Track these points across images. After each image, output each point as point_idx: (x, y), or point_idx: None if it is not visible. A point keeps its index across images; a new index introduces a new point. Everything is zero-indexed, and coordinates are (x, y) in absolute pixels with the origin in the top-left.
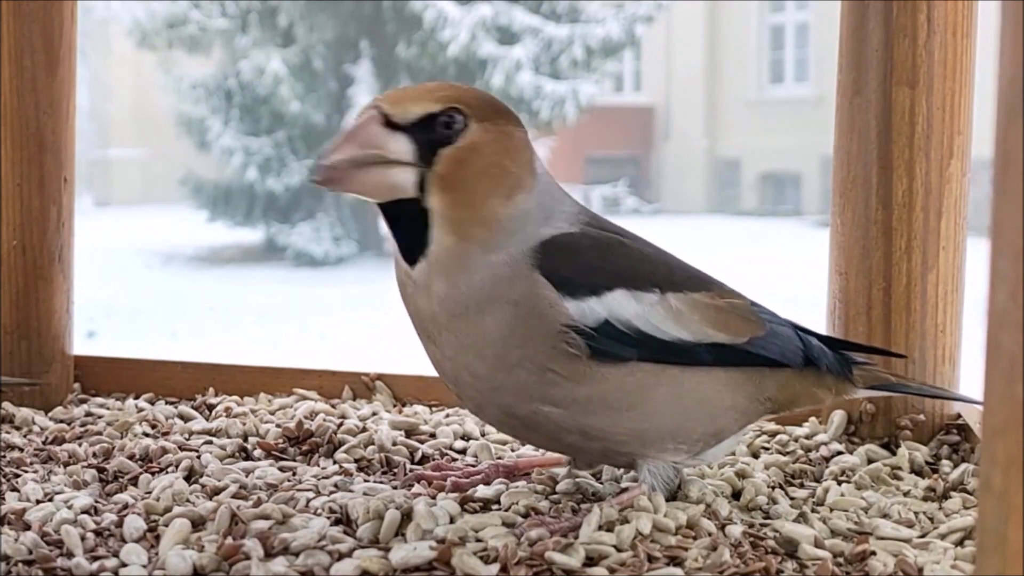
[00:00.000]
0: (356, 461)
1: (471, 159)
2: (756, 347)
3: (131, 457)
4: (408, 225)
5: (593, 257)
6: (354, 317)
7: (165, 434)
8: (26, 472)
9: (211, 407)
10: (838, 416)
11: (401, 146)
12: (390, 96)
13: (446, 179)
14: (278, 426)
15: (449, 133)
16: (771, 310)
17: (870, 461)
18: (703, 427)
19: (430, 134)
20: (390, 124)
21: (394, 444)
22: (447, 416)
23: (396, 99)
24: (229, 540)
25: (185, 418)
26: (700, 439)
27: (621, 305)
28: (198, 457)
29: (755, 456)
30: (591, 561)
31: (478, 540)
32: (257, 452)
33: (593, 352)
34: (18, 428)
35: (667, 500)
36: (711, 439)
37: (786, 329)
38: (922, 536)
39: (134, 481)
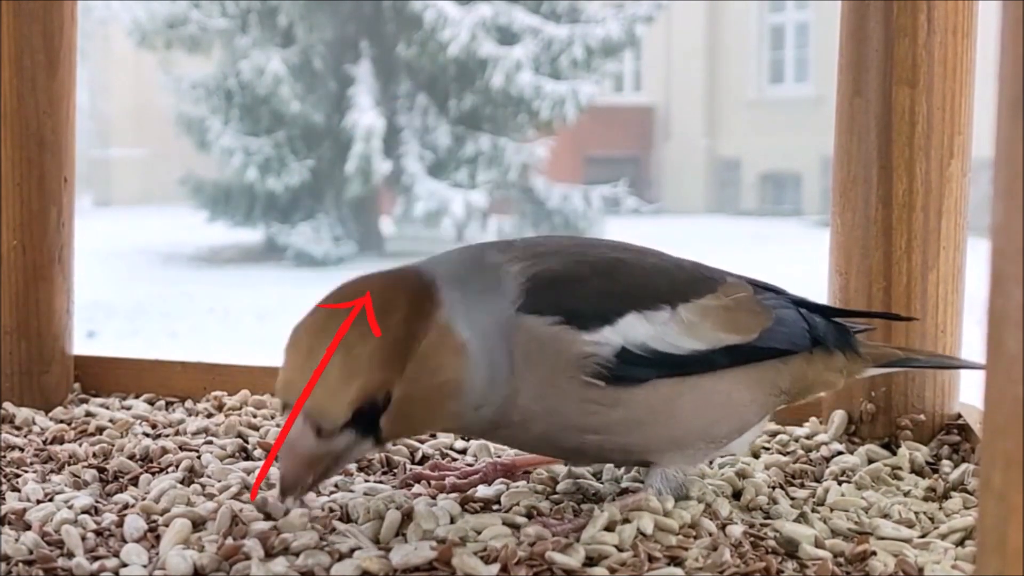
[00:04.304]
0: (356, 461)
1: (408, 410)
2: (766, 340)
3: (131, 457)
4: None
5: (597, 284)
6: None
7: (165, 434)
8: (26, 472)
9: (211, 407)
10: (838, 416)
11: (344, 441)
12: (314, 400)
13: (397, 433)
14: (278, 426)
15: (376, 411)
16: (772, 288)
17: (870, 461)
18: (729, 424)
19: (364, 420)
20: (321, 432)
21: (394, 444)
22: None
23: (319, 406)
24: (229, 540)
25: (185, 418)
26: (727, 435)
27: (635, 329)
28: (198, 457)
29: (755, 456)
30: (591, 561)
31: (478, 540)
32: (257, 452)
33: (615, 378)
34: (18, 428)
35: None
36: (735, 433)
37: (790, 312)
38: (922, 536)
39: (134, 481)
